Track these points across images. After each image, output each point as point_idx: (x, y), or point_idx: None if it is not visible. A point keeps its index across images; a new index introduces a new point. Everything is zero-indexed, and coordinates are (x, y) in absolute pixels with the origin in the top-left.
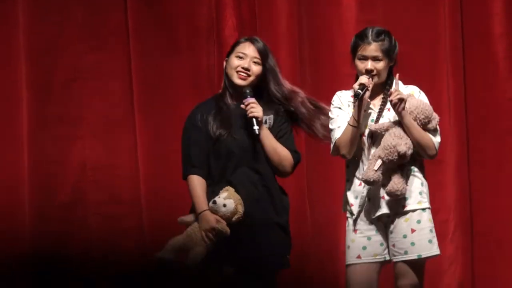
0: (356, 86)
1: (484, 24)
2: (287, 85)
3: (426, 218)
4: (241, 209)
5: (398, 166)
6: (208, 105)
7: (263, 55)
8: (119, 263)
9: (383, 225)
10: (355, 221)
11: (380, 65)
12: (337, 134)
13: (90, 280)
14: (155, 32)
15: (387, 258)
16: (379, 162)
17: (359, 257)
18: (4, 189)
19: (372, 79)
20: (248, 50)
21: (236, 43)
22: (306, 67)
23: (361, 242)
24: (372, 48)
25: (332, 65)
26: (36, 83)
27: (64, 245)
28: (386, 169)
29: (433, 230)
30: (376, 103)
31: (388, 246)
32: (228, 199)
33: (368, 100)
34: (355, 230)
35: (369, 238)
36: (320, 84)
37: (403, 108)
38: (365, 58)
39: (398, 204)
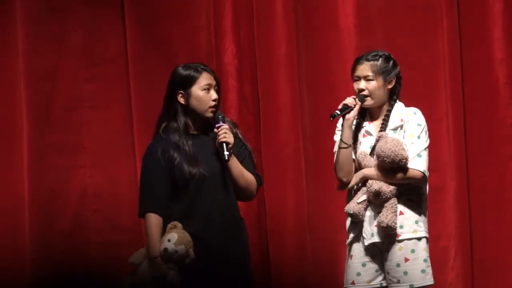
0: (339, 106)
1: (484, 49)
2: None
3: (421, 247)
4: (192, 252)
5: (385, 201)
6: (166, 140)
7: (218, 81)
8: None
9: (379, 251)
10: (350, 247)
11: (372, 85)
12: (335, 158)
13: None
14: (154, 60)
15: (384, 285)
16: (364, 197)
17: (353, 283)
18: (5, 217)
19: (365, 101)
20: (210, 79)
21: (194, 74)
22: (305, 93)
23: (356, 268)
24: (363, 67)
25: (331, 91)
26: (36, 111)
27: (64, 273)
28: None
29: (428, 259)
30: (375, 128)
31: (384, 273)
32: (179, 245)
33: (355, 119)
34: (350, 256)
35: (363, 265)
36: (319, 110)
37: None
38: (358, 78)
39: (386, 234)
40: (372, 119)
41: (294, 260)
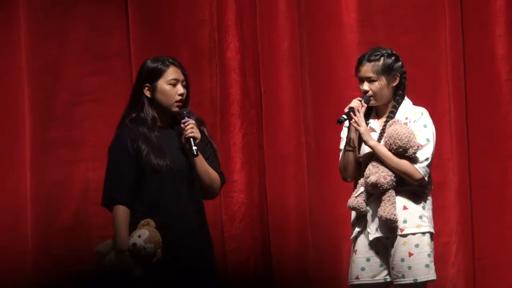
0: (345, 109)
1: (487, 46)
2: None
3: (425, 242)
4: (160, 252)
5: (382, 193)
6: (134, 131)
7: (186, 75)
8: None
9: (384, 247)
10: (355, 242)
11: (375, 86)
12: (340, 157)
13: None
14: (157, 54)
15: (388, 280)
16: (361, 189)
17: (357, 277)
18: (7, 211)
19: (370, 101)
20: (177, 74)
21: (160, 67)
22: (307, 89)
23: (360, 263)
24: (365, 69)
25: (333, 88)
26: (39, 106)
27: (66, 267)
28: (373, 196)
29: (432, 254)
30: (380, 124)
31: (389, 268)
32: (148, 243)
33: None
34: (355, 251)
35: (368, 260)
36: (321, 107)
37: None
38: (361, 79)
39: (389, 228)
40: (378, 116)
41: (296, 255)
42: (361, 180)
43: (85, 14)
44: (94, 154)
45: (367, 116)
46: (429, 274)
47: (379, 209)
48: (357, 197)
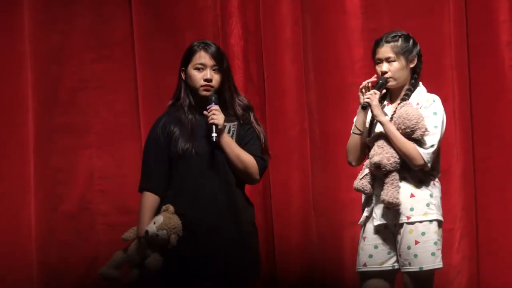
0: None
1: (491, 31)
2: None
3: (432, 230)
4: (174, 238)
5: (385, 175)
6: (171, 116)
7: (219, 60)
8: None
9: (392, 234)
10: (364, 229)
11: (394, 66)
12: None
13: None
14: (160, 41)
15: (396, 267)
16: (366, 171)
17: (365, 265)
18: (11, 198)
19: (389, 81)
20: (205, 59)
21: (191, 52)
22: (311, 75)
23: (368, 250)
24: (384, 49)
25: (336, 73)
26: (42, 92)
27: (70, 254)
28: (378, 178)
29: (438, 242)
30: (393, 108)
31: (397, 256)
32: (160, 230)
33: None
34: (364, 238)
35: (375, 247)
36: (325, 92)
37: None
38: (380, 60)
39: (395, 215)
40: (392, 101)
41: (299, 243)
42: (367, 162)
43: (89, 0)
44: (99, 141)
45: (382, 102)
46: (435, 263)
47: (382, 193)
48: (361, 179)
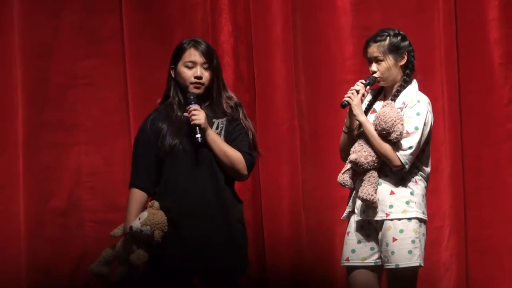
0: (348, 92)
1: (480, 30)
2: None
3: (411, 228)
4: (158, 234)
5: (364, 172)
6: (160, 113)
7: (209, 58)
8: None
9: (375, 230)
10: (348, 223)
11: (382, 66)
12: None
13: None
14: (150, 38)
15: (379, 264)
16: (348, 166)
17: (348, 259)
18: None
19: (379, 81)
20: (195, 56)
21: (181, 49)
22: (301, 72)
23: (351, 245)
24: (372, 49)
25: (326, 71)
26: (32, 88)
27: (59, 251)
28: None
29: (417, 241)
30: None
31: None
32: (144, 226)
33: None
34: (347, 233)
35: (359, 242)
36: (315, 90)
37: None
38: (370, 60)
39: (375, 212)
40: (385, 98)
41: (289, 239)
42: (349, 157)
43: None
44: (87, 138)
45: (376, 98)
46: (412, 261)
47: (359, 189)
48: (343, 174)
